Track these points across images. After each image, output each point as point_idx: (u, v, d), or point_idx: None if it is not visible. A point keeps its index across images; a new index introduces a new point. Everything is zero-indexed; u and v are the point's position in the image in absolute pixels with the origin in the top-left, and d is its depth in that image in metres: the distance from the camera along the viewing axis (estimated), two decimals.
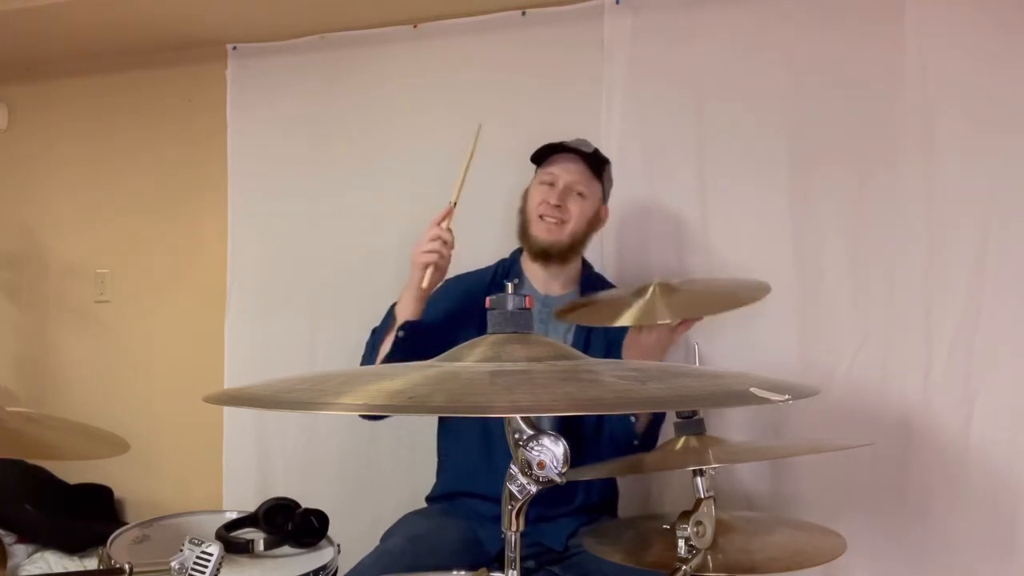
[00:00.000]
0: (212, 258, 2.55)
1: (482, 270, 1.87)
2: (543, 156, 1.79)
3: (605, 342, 1.74)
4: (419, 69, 2.35)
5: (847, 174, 1.96)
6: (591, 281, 1.85)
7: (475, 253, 2.12)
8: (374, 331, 1.78)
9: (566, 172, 1.75)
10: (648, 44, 2.12)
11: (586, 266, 1.87)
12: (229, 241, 2.53)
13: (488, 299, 0.90)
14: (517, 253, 1.86)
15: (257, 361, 2.47)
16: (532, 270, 1.81)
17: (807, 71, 1.99)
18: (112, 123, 2.75)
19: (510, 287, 0.94)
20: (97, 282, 2.75)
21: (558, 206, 1.72)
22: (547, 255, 1.75)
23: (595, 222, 1.81)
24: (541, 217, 1.74)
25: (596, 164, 1.77)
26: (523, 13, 2.22)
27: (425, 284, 1.63)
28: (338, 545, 1.53)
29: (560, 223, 1.73)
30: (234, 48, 2.54)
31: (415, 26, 2.34)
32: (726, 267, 2.04)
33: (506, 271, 1.85)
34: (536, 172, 1.82)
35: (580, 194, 1.75)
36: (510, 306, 0.88)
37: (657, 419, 1.72)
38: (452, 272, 1.89)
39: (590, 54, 2.16)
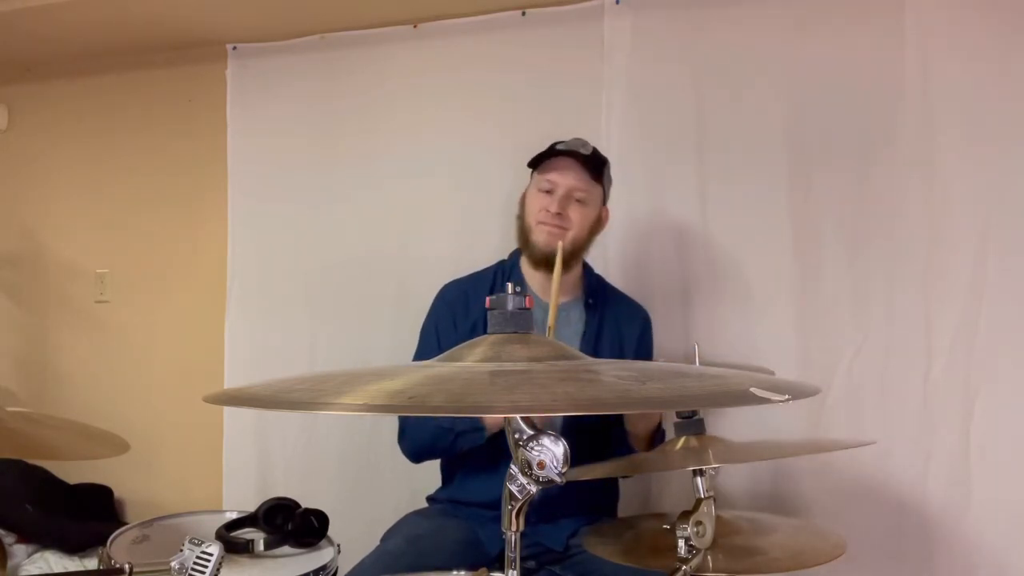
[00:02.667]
0: (212, 258, 2.55)
1: (480, 273, 1.83)
2: (539, 160, 1.72)
3: (618, 348, 1.73)
4: (419, 69, 2.35)
5: (847, 174, 1.96)
6: (592, 286, 1.80)
7: (474, 254, 2.13)
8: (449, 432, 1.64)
9: (565, 178, 1.68)
10: (648, 44, 2.12)
11: (587, 270, 1.82)
12: (229, 241, 2.53)
13: (488, 299, 0.90)
14: (516, 255, 1.82)
15: (257, 361, 2.46)
16: (533, 276, 1.75)
17: (807, 71, 1.99)
18: (112, 123, 2.75)
19: (510, 287, 0.93)
20: (97, 282, 2.75)
21: (559, 214, 1.66)
22: (549, 263, 1.66)
23: (596, 227, 1.75)
24: (541, 224, 1.68)
25: (596, 166, 1.71)
26: (523, 13, 2.22)
27: None
28: (338, 545, 1.53)
29: (561, 230, 1.67)
30: (234, 48, 2.54)
31: (415, 26, 2.34)
32: (726, 266, 2.04)
33: (507, 276, 1.79)
34: (532, 176, 1.76)
35: (580, 200, 1.69)
36: (510, 306, 0.88)
37: (659, 439, 1.71)
38: (450, 275, 1.89)
39: (590, 54, 2.16)
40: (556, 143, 1.73)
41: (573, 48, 2.19)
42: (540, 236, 1.68)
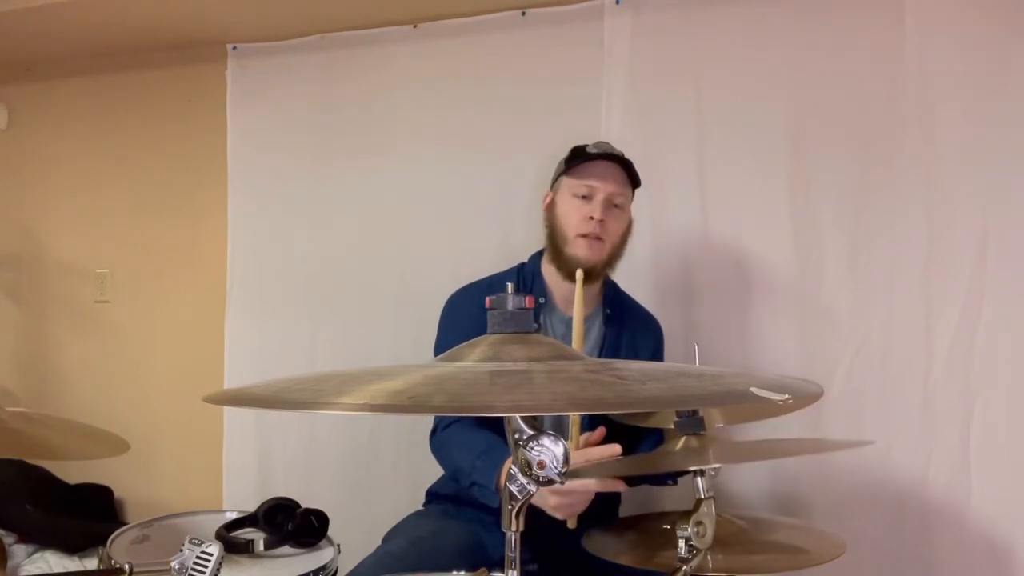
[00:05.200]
0: (212, 258, 2.55)
1: (499, 276, 1.75)
2: (572, 163, 1.64)
3: (634, 351, 1.72)
4: (419, 69, 2.35)
5: (847, 174, 1.96)
6: (611, 298, 1.75)
7: (474, 253, 2.13)
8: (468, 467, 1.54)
9: (604, 182, 1.60)
10: (648, 44, 2.12)
11: (609, 284, 1.76)
12: (229, 241, 2.53)
13: (488, 299, 0.90)
14: (536, 260, 1.76)
15: (257, 361, 2.47)
16: (559, 286, 1.69)
17: (807, 71, 1.99)
18: (112, 123, 2.75)
19: (510, 287, 0.93)
20: (97, 282, 2.75)
21: (601, 221, 1.59)
22: (587, 275, 1.59)
23: (628, 233, 1.70)
24: (580, 237, 1.60)
25: (629, 168, 1.65)
26: (523, 13, 2.22)
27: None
28: (338, 545, 1.53)
29: (601, 242, 1.60)
30: (234, 48, 2.54)
31: (415, 26, 2.34)
32: (726, 266, 2.04)
33: (529, 285, 1.72)
34: (560, 181, 1.68)
35: (618, 205, 1.63)
36: (510, 306, 0.88)
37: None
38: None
39: (590, 54, 2.16)
40: (581, 146, 1.67)
41: (573, 48, 2.19)
42: (580, 250, 1.61)
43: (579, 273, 1.53)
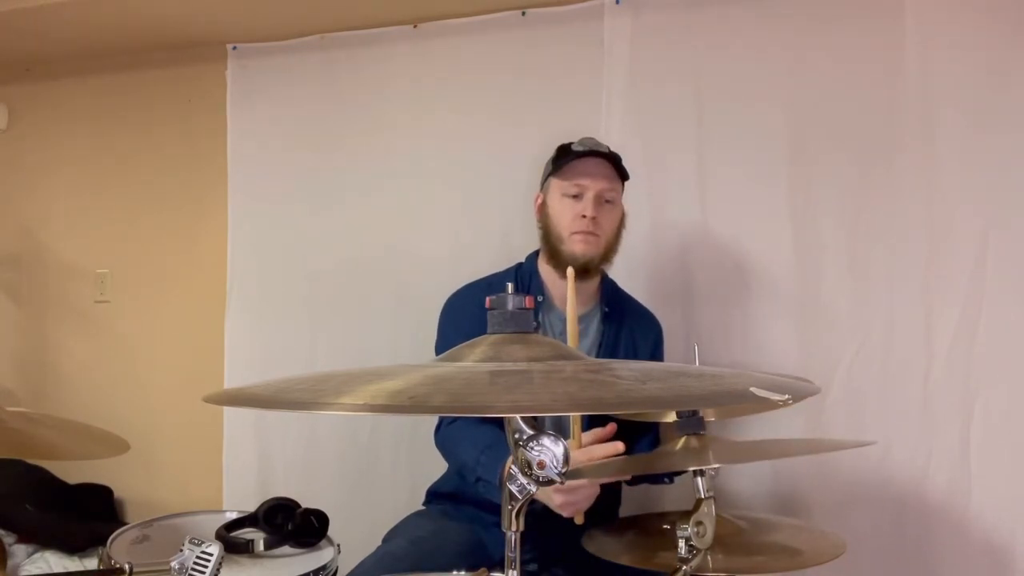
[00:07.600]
0: (212, 258, 2.55)
1: (496, 276, 1.76)
2: (560, 163, 1.65)
3: (633, 349, 1.72)
4: (419, 69, 2.35)
5: (848, 174, 1.96)
6: (609, 295, 1.75)
7: (474, 253, 2.13)
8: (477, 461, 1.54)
9: (595, 180, 1.62)
10: (648, 44, 2.12)
11: (603, 277, 1.76)
12: (229, 241, 2.53)
13: (488, 299, 0.90)
14: (533, 260, 1.77)
15: (257, 361, 2.46)
16: (557, 285, 1.69)
17: (807, 71, 2.00)
18: (112, 123, 2.75)
19: (510, 287, 0.93)
20: (97, 282, 2.75)
21: (594, 218, 1.60)
22: (585, 271, 1.60)
23: (622, 226, 1.71)
24: (576, 234, 1.61)
25: (617, 162, 1.66)
26: (523, 13, 2.22)
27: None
28: (338, 545, 1.53)
29: (596, 238, 1.62)
30: (234, 48, 2.54)
31: (415, 26, 2.34)
32: (726, 267, 2.04)
33: (527, 284, 1.73)
34: (549, 181, 1.70)
35: (609, 201, 1.64)
36: (510, 306, 0.88)
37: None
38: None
39: (590, 54, 2.16)
40: (567, 145, 1.68)
41: (573, 48, 2.19)
42: (576, 246, 1.62)
43: (570, 271, 1.53)
